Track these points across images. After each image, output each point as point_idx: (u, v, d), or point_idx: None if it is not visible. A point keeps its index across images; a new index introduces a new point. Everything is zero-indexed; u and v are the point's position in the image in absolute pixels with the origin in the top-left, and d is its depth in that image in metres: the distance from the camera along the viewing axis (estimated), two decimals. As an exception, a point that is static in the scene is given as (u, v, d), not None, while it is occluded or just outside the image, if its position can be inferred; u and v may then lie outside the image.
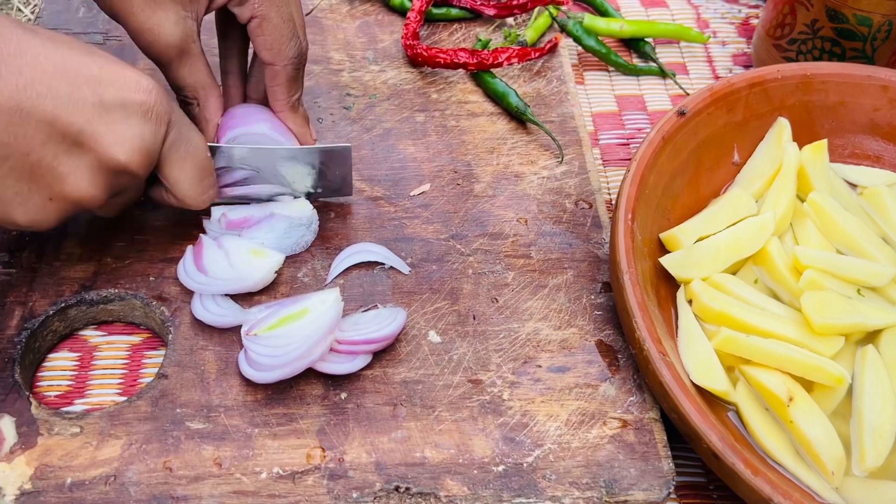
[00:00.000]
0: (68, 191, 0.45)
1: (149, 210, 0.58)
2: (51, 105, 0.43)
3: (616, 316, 0.54)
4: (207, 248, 0.54)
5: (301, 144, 0.57)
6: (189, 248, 0.55)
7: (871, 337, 0.52)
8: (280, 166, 0.56)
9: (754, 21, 0.80)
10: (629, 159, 0.66)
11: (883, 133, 0.62)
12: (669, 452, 0.48)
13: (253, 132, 0.56)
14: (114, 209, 0.52)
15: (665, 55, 0.76)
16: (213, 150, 0.54)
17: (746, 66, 0.75)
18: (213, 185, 0.53)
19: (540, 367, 0.51)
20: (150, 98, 0.46)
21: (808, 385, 0.49)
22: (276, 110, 0.56)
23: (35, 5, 0.79)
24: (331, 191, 0.59)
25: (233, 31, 0.57)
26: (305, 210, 0.57)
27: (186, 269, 0.54)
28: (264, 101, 0.57)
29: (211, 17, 0.56)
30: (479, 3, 0.73)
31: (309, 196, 0.58)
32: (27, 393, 0.49)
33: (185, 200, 0.52)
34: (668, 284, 0.54)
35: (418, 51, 0.68)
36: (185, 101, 0.55)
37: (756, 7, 0.81)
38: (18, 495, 0.44)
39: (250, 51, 0.57)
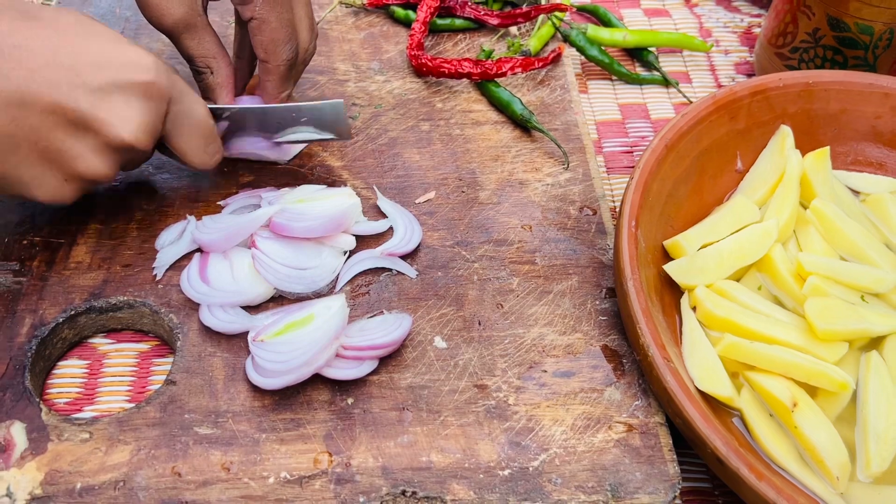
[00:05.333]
0: (81, 171, 0.48)
1: (158, 218, 0.59)
2: (53, 94, 0.45)
3: (621, 321, 0.54)
4: (214, 258, 0.55)
5: None
6: (196, 257, 0.55)
7: (875, 343, 0.52)
8: (279, 123, 0.59)
9: (756, 30, 0.80)
10: (632, 167, 0.67)
11: (885, 140, 0.62)
12: (675, 456, 0.48)
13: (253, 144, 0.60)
14: (129, 169, 0.55)
15: (668, 64, 0.77)
16: (218, 113, 0.56)
17: (749, 75, 0.76)
18: (217, 150, 0.55)
19: (545, 371, 0.52)
20: (149, 76, 0.48)
21: (812, 391, 0.49)
22: (265, 102, 0.59)
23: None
24: (330, 137, 0.61)
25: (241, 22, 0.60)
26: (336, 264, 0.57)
27: (190, 278, 0.54)
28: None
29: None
30: (482, 13, 0.74)
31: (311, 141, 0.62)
32: (37, 399, 0.49)
33: (195, 166, 0.55)
34: (672, 291, 0.54)
35: (423, 61, 0.69)
36: (198, 71, 0.57)
37: (758, 16, 0.82)
38: (29, 500, 0.45)
39: None
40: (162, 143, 0.54)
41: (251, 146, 0.61)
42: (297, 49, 0.58)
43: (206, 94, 0.58)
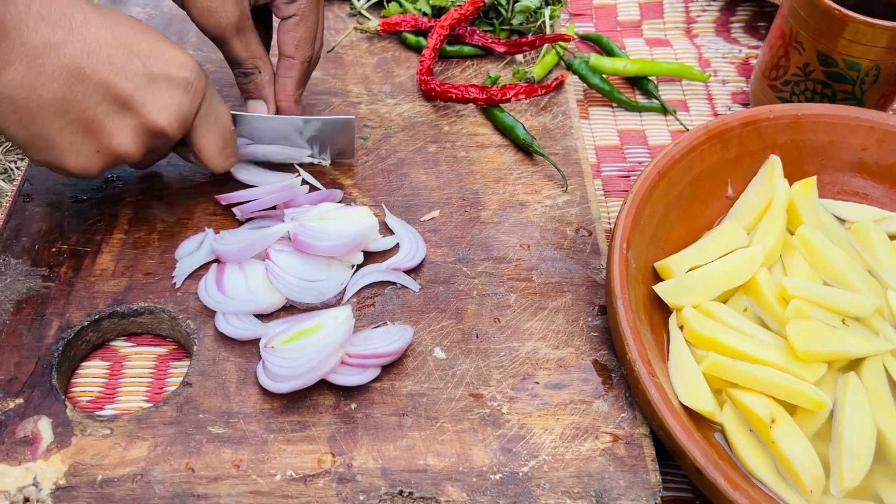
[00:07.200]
0: (114, 145, 0.52)
1: (178, 230, 0.62)
2: (108, 71, 0.50)
3: (611, 337, 0.57)
4: (230, 268, 0.58)
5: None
6: (213, 267, 0.59)
7: (854, 365, 0.53)
8: (291, 134, 0.63)
9: (753, 61, 0.83)
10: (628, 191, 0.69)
11: (870, 172, 0.64)
12: (657, 466, 0.50)
13: (266, 150, 0.65)
14: (145, 164, 0.59)
15: (667, 92, 0.79)
16: (236, 119, 0.61)
17: (745, 105, 0.78)
18: (233, 153, 0.59)
19: (538, 383, 0.54)
20: (190, 74, 0.53)
21: (791, 409, 0.51)
22: (280, 99, 0.63)
23: None
24: (336, 154, 0.66)
25: (258, 26, 0.64)
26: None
27: (207, 287, 0.57)
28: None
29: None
30: (490, 41, 0.77)
31: (316, 159, 0.67)
32: (63, 397, 0.52)
33: (210, 166, 0.58)
34: (661, 311, 0.56)
35: (432, 86, 0.72)
36: (245, 73, 0.61)
37: (756, 48, 0.84)
38: (54, 489, 0.48)
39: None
40: (177, 143, 0.57)
41: (295, 153, 0.66)
42: (315, 50, 0.63)
43: (255, 93, 0.62)
